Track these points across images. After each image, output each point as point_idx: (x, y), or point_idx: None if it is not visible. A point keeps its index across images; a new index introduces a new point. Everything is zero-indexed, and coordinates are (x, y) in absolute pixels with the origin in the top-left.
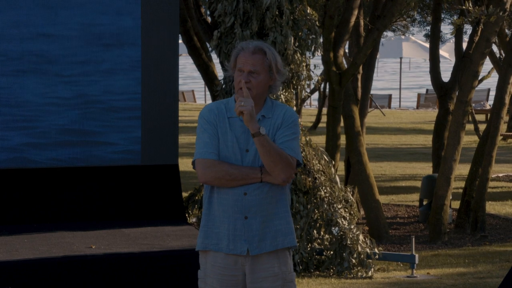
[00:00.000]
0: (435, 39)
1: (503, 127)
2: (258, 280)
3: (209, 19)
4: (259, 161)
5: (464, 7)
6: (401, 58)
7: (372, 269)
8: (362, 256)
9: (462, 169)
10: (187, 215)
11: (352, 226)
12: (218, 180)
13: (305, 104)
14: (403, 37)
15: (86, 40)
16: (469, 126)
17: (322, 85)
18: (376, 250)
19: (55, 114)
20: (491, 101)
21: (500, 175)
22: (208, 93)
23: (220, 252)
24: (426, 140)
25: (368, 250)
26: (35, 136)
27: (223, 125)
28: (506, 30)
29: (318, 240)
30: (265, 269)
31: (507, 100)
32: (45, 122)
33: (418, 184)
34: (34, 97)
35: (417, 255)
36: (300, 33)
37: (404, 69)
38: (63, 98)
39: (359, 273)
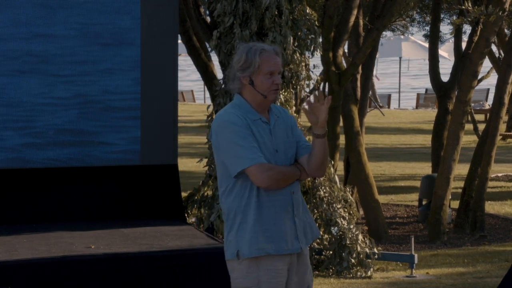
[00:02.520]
0: (434, 39)
1: (502, 127)
2: (302, 275)
3: (208, 19)
4: (290, 160)
5: (463, 7)
6: (400, 58)
7: (372, 269)
8: (361, 256)
9: (461, 169)
10: (186, 215)
11: (352, 226)
12: (277, 182)
13: (304, 104)
14: (402, 37)
15: (85, 40)
16: (469, 126)
17: (322, 85)
18: (375, 250)
19: (53, 114)
20: (490, 101)
21: (500, 175)
22: (207, 93)
23: (275, 254)
24: (426, 140)
25: (367, 250)
26: (33, 136)
27: (254, 128)
28: (506, 30)
29: (318, 240)
30: (305, 263)
31: (506, 100)
32: (43, 122)
33: (418, 184)
34: (32, 97)
35: (416, 255)
36: (299, 33)
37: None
38: (61, 98)
39: (359, 273)
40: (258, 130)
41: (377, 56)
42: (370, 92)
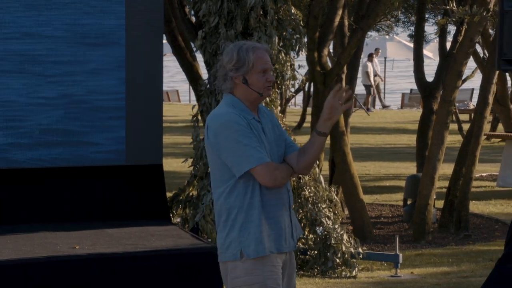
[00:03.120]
0: (419, 39)
1: (486, 127)
2: (291, 276)
3: (193, 19)
4: (280, 159)
5: (448, 7)
6: (385, 58)
7: (356, 269)
8: (346, 256)
9: (446, 169)
10: (171, 215)
11: (336, 226)
12: (281, 181)
13: (289, 104)
14: (387, 37)
15: (70, 40)
16: (453, 126)
17: (307, 85)
18: (360, 250)
19: (39, 114)
20: (475, 101)
21: (484, 174)
22: (192, 93)
23: (275, 252)
24: (410, 140)
25: (352, 249)
26: (18, 136)
27: (252, 127)
28: (490, 30)
29: (303, 240)
30: (293, 264)
31: (490, 100)
32: (29, 122)
33: (402, 183)
34: (18, 97)
35: (401, 255)
36: (284, 33)
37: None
38: (47, 98)
39: (343, 273)
40: (256, 129)
41: (361, 56)
42: (376, 92)
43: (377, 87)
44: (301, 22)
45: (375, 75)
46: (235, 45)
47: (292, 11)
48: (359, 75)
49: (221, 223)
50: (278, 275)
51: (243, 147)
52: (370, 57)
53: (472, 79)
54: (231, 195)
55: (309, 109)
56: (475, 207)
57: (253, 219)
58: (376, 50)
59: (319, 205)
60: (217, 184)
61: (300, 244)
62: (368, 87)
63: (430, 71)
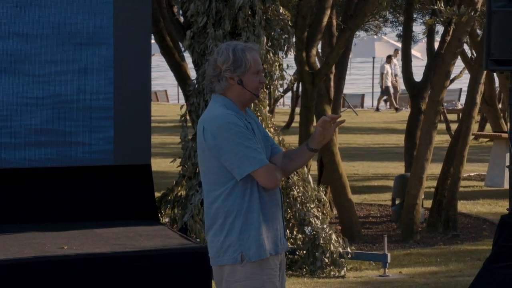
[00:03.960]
0: (407, 39)
1: (474, 127)
2: (283, 274)
3: (181, 19)
4: (268, 159)
5: (436, 7)
6: (373, 57)
7: (345, 269)
8: (334, 256)
9: (434, 169)
10: (159, 215)
11: (325, 226)
12: (279, 183)
13: (278, 103)
14: (375, 37)
15: (59, 40)
16: (441, 126)
17: (295, 85)
18: (348, 250)
19: (27, 114)
20: (462, 101)
21: (472, 174)
22: (181, 93)
23: (273, 254)
24: (399, 140)
25: (340, 249)
26: (7, 136)
27: (248, 128)
28: (478, 30)
29: (291, 240)
30: (283, 267)
31: (478, 100)
32: (17, 121)
33: (391, 183)
34: (6, 96)
35: (389, 254)
36: (272, 33)
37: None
38: (35, 98)
39: (332, 273)
40: (250, 130)
41: (350, 56)
42: (392, 91)
43: (395, 88)
44: (290, 22)
45: (395, 74)
46: (228, 45)
47: (281, 11)
48: (376, 76)
49: (217, 226)
50: (276, 278)
51: (244, 149)
52: (389, 58)
53: (460, 79)
54: (229, 198)
55: (297, 109)
56: (463, 206)
57: (252, 222)
58: (395, 51)
59: (307, 205)
60: (212, 187)
61: (289, 244)
62: (386, 88)
63: (418, 71)
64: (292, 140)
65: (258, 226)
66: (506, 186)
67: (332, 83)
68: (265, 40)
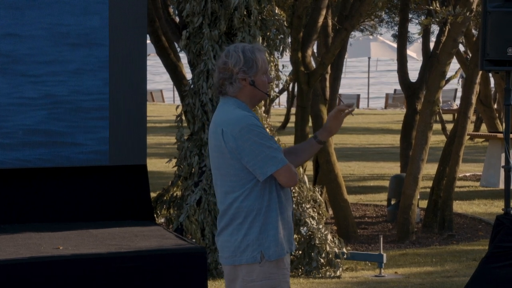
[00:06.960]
0: (402, 39)
1: (470, 127)
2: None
3: (177, 19)
4: None
5: (431, 7)
6: (369, 58)
7: (341, 269)
8: (330, 256)
9: (429, 169)
10: (155, 215)
11: (321, 226)
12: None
13: (273, 104)
14: (371, 37)
15: (53, 40)
16: (437, 126)
17: (291, 85)
18: (344, 250)
19: (22, 114)
20: (458, 101)
21: (467, 174)
22: (176, 93)
23: (289, 253)
24: (394, 140)
25: (336, 249)
26: (1, 137)
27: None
28: (473, 30)
29: None
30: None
31: (474, 100)
32: (12, 122)
33: (386, 183)
34: (0, 97)
35: (385, 255)
36: (268, 33)
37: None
38: (30, 98)
39: (328, 273)
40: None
41: (345, 56)
42: None
43: None
44: (285, 22)
45: None
46: (236, 47)
47: (276, 11)
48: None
49: (234, 226)
50: (289, 277)
51: (266, 149)
52: None
53: (456, 79)
54: (249, 198)
55: (293, 109)
56: (459, 207)
57: (271, 221)
58: None
59: (303, 205)
60: (232, 189)
61: None
62: None
63: (413, 71)
64: (288, 140)
65: (277, 225)
66: (502, 186)
67: (327, 83)
68: (260, 41)
